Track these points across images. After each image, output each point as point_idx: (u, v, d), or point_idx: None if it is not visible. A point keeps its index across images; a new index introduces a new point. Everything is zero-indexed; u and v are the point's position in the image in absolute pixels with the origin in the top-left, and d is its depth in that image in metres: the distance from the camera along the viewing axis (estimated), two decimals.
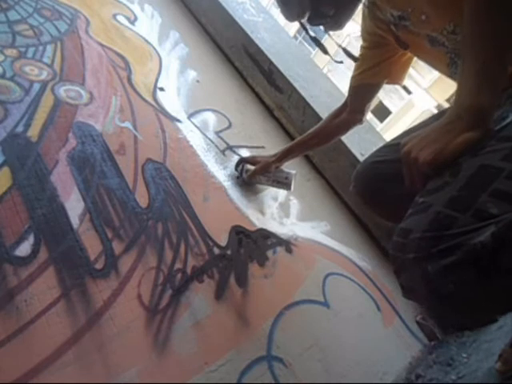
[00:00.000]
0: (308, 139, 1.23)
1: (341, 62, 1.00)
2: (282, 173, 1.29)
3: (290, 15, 0.92)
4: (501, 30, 0.54)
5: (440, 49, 0.78)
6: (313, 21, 0.91)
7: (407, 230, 0.54)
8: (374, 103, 1.12)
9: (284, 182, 1.28)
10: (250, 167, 1.30)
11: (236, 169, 1.34)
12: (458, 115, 0.56)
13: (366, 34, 1.00)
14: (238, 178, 1.33)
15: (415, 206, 0.57)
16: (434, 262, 0.49)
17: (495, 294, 0.49)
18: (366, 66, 1.02)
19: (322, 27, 0.94)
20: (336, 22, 0.91)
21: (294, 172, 1.30)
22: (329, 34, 0.96)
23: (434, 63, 0.88)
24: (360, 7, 0.91)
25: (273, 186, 1.30)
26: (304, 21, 0.91)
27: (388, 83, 1.05)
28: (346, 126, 1.16)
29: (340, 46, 0.99)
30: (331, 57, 1.01)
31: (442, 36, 0.74)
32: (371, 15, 0.92)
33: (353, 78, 1.07)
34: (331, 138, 1.22)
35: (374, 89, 1.06)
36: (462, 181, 0.52)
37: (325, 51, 1.00)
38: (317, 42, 1.00)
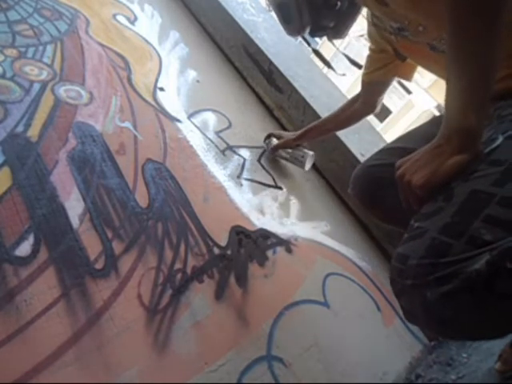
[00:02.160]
0: (323, 124, 1.33)
1: (343, 75, 1.04)
2: (300, 151, 1.41)
3: (292, 31, 0.94)
4: (482, 48, 0.53)
5: (441, 55, 0.78)
6: (314, 33, 0.93)
7: (404, 255, 0.55)
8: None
9: (299, 160, 1.40)
10: (275, 141, 1.44)
11: (264, 141, 1.48)
12: (446, 138, 0.57)
13: (372, 38, 1.02)
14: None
15: (411, 230, 0.58)
16: (432, 289, 0.50)
17: (492, 319, 0.50)
18: (375, 66, 1.06)
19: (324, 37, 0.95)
20: (337, 32, 0.92)
21: (311, 153, 1.41)
22: (332, 43, 0.98)
23: (435, 68, 0.88)
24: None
25: (290, 161, 1.43)
26: (305, 34, 0.93)
27: (398, 78, 1.09)
28: (360, 116, 1.24)
29: (345, 54, 1.01)
30: (334, 70, 1.04)
31: (442, 44, 0.74)
32: (373, 25, 0.93)
33: (363, 75, 1.11)
34: (346, 124, 1.30)
35: (384, 85, 1.11)
36: (455, 206, 0.53)
37: (328, 65, 1.03)
38: (320, 57, 1.02)
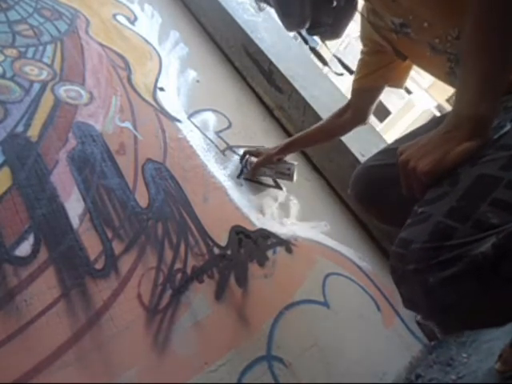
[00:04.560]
0: (310, 135, 1.25)
1: (341, 75, 1.01)
2: (285, 164, 1.32)
3: (291, 25, 0.92)
4: (504, 38, 0.53)
5: (441, 57, 0.77)
6: (312, 30, 0.91)
7: (407, 240, 0.54)
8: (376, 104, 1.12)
9: (286, 173, 1.31)
10: (254, 160, 1.33)
11: (241, 162, 1.37)
12: (457, 124, 0.56)
13: (366, 39, 1.00)
14: (239, 175, 1.34)
15: (414, 216, 0.57)
16: (435, 273, 0.49)
17: (497, 304, 0.49)
18: (366, 70, 1.03)
19: (318, 37, 0.94)
20: (334, 31, 0.91)
21: (295, 163, 1.34)
22: (325, 45, 0.96)
23: (433, 71, 0.87)
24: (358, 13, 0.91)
25: (276, 177, 1.35)
26: (303, 30, 0.92)
27: (389, 86, 1.06)
28: (349, 126, 1.18)
29: (337, 58, 1.00)
30: (330, 68, 1.02)
31: (446, 42, 0.73)
32: (370, 23, 0.92)
33: (354, 81, 1.08)
34: (333, 136, 1.25)
35: (375, 92, 1.07)
36: (461, 191, 0.52)
37: (324, 62, 1.01)
38: (316, 54, 1.01)
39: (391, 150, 0.89)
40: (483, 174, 0.51)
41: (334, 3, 0.85)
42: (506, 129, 0.55)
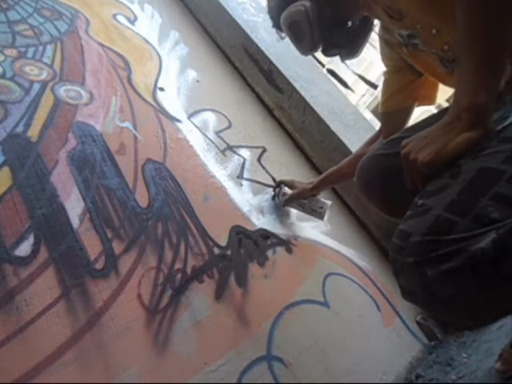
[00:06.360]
0: (343, 167, 1.21)
1: (362, 96, 1.01)
2: (318, 202, 1.30)
3: (303, 50, 0.93)
4: (496, 27, 0.53)
5: (450, 75, 0.76)
6: (327, 52, 0.91)
7: (407, 232, 0.54)
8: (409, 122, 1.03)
9: (318, 211, 1.29)
10: (288, 191, 1.33)
11: (274, 190, 1.37)
12: (456, 115, 0.56)
13: (386, 59, 0.98)
14: (272, 198, 1.36)
15: (414, 207, 0.57)
16: (433, 266, 0.49)
17: (495, 300, 0.49)
18: (391, 91, 0.99)
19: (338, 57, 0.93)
20: (351, 50, 0.90)
21: (329, 203, 1.31)
22: (345, 64, 0.96)
23: (447, 84, 0.86)
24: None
25: (307, 212, 1.32)
26: (317, 53, 0.92)
27: (420, 105, 1.01)
28: None
29: (360, 75, 0.99)
30: (352, 90, 1.02)
31: (452, 53, 0.73)
32: (384, 40, 0.91)
33: (381, 104, 1.04)
34: None
35: (405, 113, 1.01)
36: (463, 184, 0.52)
37: (345, 85, 1.00)
38: (336, 77, 1.01)
39: (397, 139, 0.88)
40: (485, 167, 0.51)
41: (349, 24, 0.85)
42: (509, 120, 0.55)
